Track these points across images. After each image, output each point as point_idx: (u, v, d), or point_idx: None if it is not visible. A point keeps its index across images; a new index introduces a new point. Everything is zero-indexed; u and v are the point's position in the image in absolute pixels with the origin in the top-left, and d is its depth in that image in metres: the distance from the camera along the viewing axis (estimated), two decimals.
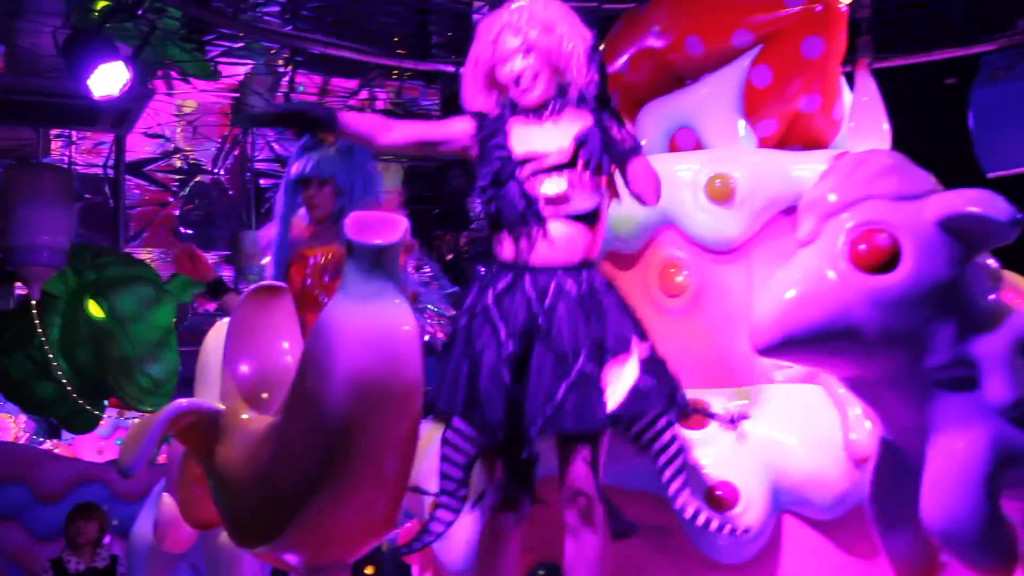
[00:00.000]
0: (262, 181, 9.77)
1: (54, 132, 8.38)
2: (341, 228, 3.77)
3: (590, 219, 3.15)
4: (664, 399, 3.09)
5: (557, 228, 3.14)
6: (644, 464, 3.48)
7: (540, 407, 3.04)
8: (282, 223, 4.15)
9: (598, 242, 3.21)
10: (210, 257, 11.48)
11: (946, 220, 2.86)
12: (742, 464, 3.49)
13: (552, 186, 3.13)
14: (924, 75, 6.57)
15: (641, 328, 3.17)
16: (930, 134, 5.99)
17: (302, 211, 4.18)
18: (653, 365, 3.09)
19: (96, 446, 10.10)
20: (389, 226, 2.82)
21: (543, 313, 3.10)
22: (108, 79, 5.29)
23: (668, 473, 3.11)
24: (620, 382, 3.05)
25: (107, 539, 5.78)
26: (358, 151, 4.10)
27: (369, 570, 6.87)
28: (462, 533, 3.50)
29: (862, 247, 2.86)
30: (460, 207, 8.25)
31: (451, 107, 7.22)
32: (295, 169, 4.16)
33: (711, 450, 3.52)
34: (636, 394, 3.05)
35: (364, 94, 8.13)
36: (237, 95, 8.05)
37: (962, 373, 2.90)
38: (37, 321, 6.83)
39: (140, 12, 5.31)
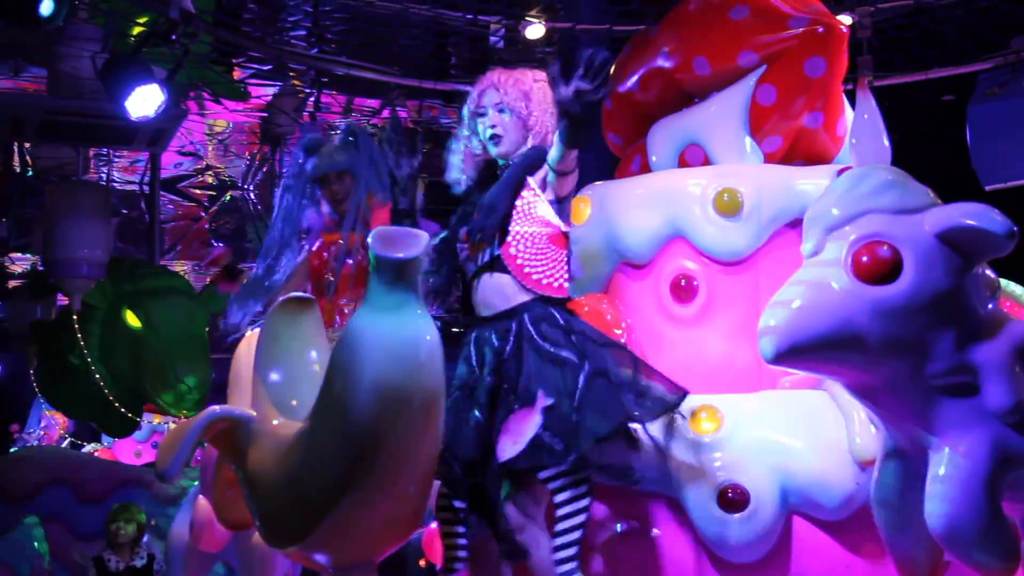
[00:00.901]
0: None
1: (93, 151, 8.51)
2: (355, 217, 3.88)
3: (497, 265, 3.35)
4: (560, 455, 3.17)
5: (481, 280, 3.40)
6: (656, 467, 3.60)
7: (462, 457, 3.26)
8: (290, 219, 4.26)
9: (527, 282, 3.34)
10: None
11: (945, 232, 2.93)
12: (752, 467, 3.56)
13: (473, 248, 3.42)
14: (923, 93, 6.57)
15: (562, 374, 3.25)
16: (929, 149, 6.03)
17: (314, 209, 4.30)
18: (556, 415, 3.18)
19: (133, 449, 10.21)
20: (411, 240, 2.95)
21: (477, 369, 3.35)
22: (144, 101, 5.38)
23: (559, 540, 3.22)
24: (520, 434, 3.19)
25: (145, 538, 5.88)
26: (362, 139, 4.25)
27: (423, 562, 6.96)
28: None
29: (865, 259, 2.92)
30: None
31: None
32: (312, 168, 4.27)
33: (722, 453, 3.61)
34: (535, 447, 3.17)
35: (386, 113, 8.21)
36: (266, 115, 8.15)
37: (962, 380, 2.96)
38: (78, 330, 6.93)
39: (174, 37, 5.40)
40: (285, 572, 4.64)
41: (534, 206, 3.37)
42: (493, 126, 3.42)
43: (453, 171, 3.57)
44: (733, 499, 3.52)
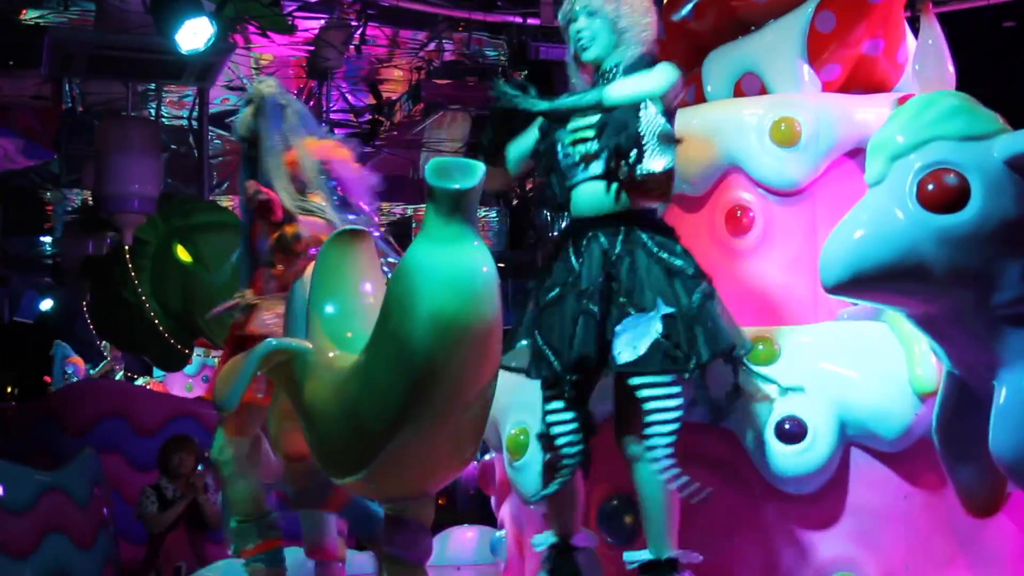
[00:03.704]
0: (337, 131, 9.86)
1: (142, 87, 8.53)
2: None
3: (614, 178, 3.33)
4: (680, 362, 3.20)
5: (589, 186, 3.38)
6: (712, 399, 3.59)
7: (567, 352, 3.24)
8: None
9: (640, 197, 3.34)
10: None
11: (1014, 159, 2.85)
12: (809, 398, 3.55)
13: (582, 148, 3.39)
14: (982, 19, 6.38)
15: (677, 283, 3.27)
16: (988, 77, 5.86)
17: None
18: (675, 324, 3.20)
19: (184, 383, 10.38)
20: (467, 171, 2.94)
21: (579, 266, 3.33)
22: (194, 34, 5.38)
23: (656, 437, 3.23)
24: (639, 338, 3.19)
25: (199, 468, 6.01)
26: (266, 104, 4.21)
27: (440, 501, 7.07)
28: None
29: (930, 187, 2.85)
30: None
31: (517, 58, 7.19)
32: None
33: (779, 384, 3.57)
34: (655, 352, 3.19)
35: (432, 45, 8.15)
36: (312, 48, 8.12)
37: None
38: (130, 265, 7.02)
39: None
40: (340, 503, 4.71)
41: (652, 115, 3.34)
42: (580, 30, 3.43)
43: (570, 72, 3.57)
44: (790, 431, 3.51)
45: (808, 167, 3.95)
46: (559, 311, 3.32)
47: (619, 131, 3.30)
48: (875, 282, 2.94)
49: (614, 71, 3.43)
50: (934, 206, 2.86)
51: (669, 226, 3.45)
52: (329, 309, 3.52)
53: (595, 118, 3.38)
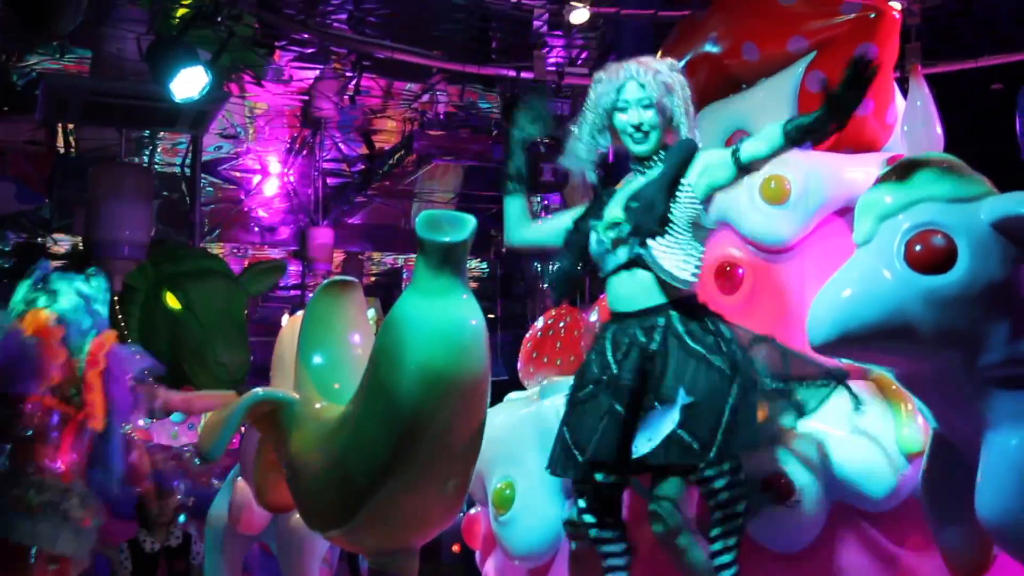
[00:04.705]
0: (329, 180, 9.90)
1: (135, 133, 8.57)
2: None
3: (641, 262, 3.21)
4: (703, 452, 3.04)
5: (622, 278, 3.25)
6: None
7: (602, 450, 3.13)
8: None
9: (672, 279, 3.20)
10: (278, 253, 11.69)
11: (1000, 221, 2.87)
12: (797, 456, 3.53)
13: (613, 232, 3.26)
14: (971, 81, 6.45)
15: (705, 373, 3.11)
16: (976, 139, 5.92)
17: None
18: (695, 414, 3.04)
19: (170, 430, 10.25)
20: (457, 224, 2.94)
21: (617, 364, 3.20)
22: (189, 83, 5.42)
23: (715, 531, 3.11)
24: (656, 430, 3.06)
25: (181, 519, 5.94)
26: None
27: (456, 547, 6.96)
28: (529, 519, 3.61)
29: (918, 248, 2.87)
30: None
31: (511, 110, 7.26)
32: None
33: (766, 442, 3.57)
34: (669, 443, 3.03)
35: (426, 97, 8.22)
36: (306, 98, 8.18)
37: (1017, 372, 2.88)
38: (119, 311, 7.00)
39: (219, 19, 5.43)
40: (324, 556, 4.67)
41: (688, 202, 3.24)
42: (638, 124, 3.28)
43: (572, 159, 3.41)
44: (777, 489, 3.48)
45: (797, 225, 3.96)
46: (591, 409, 3.18)
47: (646, 210, 3.19)
48: (862, 341, 2.94)
49: (655, 159, 3.32)
50: (921, 267, 2.87)
51: (709, 310, 3.29)
52: (317, 360, 3.51)
53: (628, 198, 3.27)
